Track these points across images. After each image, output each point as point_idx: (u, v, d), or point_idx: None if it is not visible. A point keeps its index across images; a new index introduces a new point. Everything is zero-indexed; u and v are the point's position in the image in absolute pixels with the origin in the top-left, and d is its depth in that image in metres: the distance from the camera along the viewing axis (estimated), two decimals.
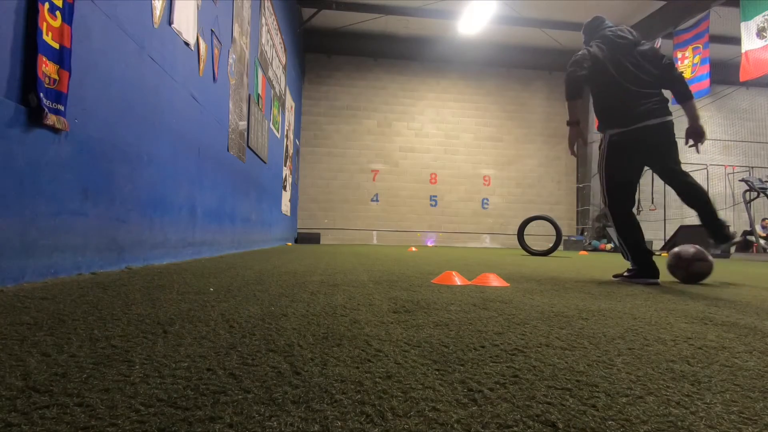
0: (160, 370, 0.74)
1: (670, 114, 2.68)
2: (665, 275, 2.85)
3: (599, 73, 2.70)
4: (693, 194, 2.64)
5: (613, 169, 2.76)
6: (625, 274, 2.74)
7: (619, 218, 2.77)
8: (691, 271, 2.68)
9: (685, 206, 2.70)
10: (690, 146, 2.67)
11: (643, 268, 2.64)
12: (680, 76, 2.71)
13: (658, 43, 9.88)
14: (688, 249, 2.73)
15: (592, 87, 2.83)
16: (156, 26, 2.79)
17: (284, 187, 8.80)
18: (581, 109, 2.77)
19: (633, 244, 2.71)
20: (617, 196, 2.77)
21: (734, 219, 12.35)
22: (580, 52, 2.74)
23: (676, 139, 2.69)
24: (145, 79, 2.67)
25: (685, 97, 2.67)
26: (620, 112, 2.70)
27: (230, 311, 1.29)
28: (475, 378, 0.76)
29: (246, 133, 5.31)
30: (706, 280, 2.76)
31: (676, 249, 2.80)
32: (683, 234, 9.62)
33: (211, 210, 4.07)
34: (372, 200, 12.24)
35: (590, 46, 2.76)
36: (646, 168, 2.82)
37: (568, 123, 2.79)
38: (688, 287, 2.46)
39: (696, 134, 2.65)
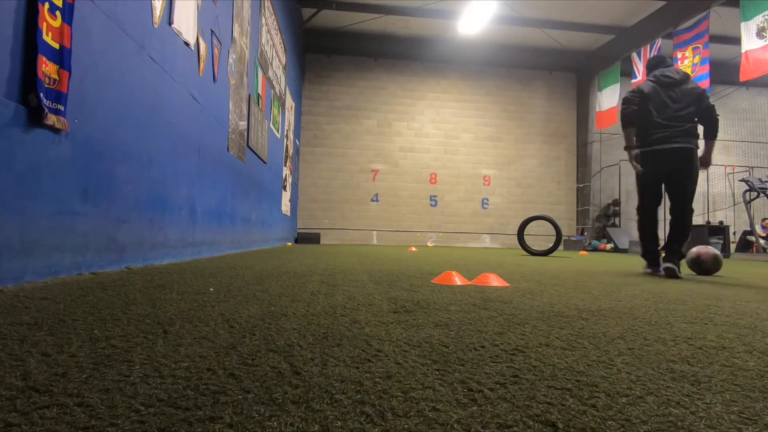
0: (160, 370, 0.74)
1: (689, 142, 3.26)
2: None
3: (642, 104, 3.37)
4: (681, 223, 3.33)
5: (642, 178, 3.43)
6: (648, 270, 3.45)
7: (640, 217, 3.55)
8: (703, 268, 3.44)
9: None
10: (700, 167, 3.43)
11: (649, 261, 3.40)
12: (716, 119, 3.30)
13: (658, 43, 9.88)
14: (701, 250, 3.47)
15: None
16: (156, 26, 2.79)
17: (284, 187, 8.80)
18: (630, 134, 3.46)
19: (644, 239, 3.50)
20: (643, 199, 3.52)
21: (734, 219, 12.35)
22: (630, 89, 3.49)
23: (696, 170, 3.32)
24: (145, 79, 2.67)
25: (711, 136, 3.33)
26: (644, 135, 3.38)
27: (230, 311, 1.29)
28: (475, 378, 0.76)
29: (246, 133, 5.31)
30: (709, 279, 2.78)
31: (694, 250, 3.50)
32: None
33: (211, 210, 4.07)
34: (372, 200, 12.23)
35: (643, 83, 3.45)
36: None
37: (626, 148, 3.49)
38: (688, 287, 2.46)
39: (705, 163, 3.38)
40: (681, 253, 3.24)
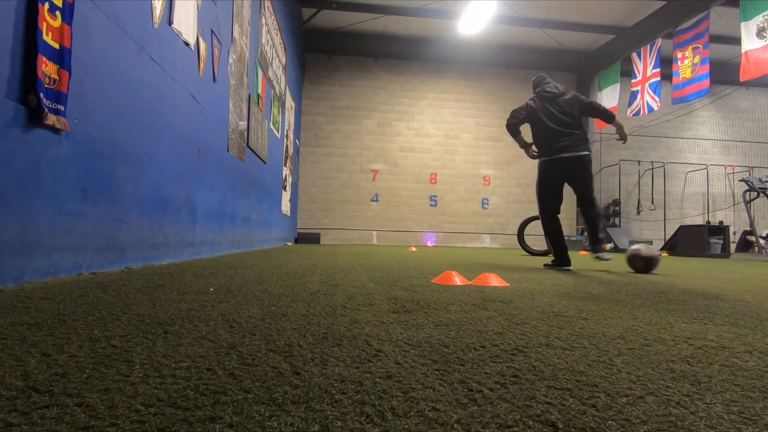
0: (160, 370, 0.74)
1: (586, 150, 3.71)
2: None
3: (532, 117, 3.84)
4: (588, 211, 3.73)
5: (541, 186, 3.88)
6: (550, 263, 3.80)
7: (545, 220, 3.86)
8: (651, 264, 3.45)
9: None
10: (618, 140, 3.93)
11: (559, 259, 3.71)
12: (596, 107, 3.85)
13: (658, 43, 9.88)
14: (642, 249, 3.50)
15: (531, 125, 3.91)
16: (156, 26, 2.79)
17: (284, 187, 8.80)
18: (525, 138, 3.98)
19: (554, 241, 3.80)
20: (544, 204, 3.87)
21: (734, 219, 12.34)
22: (520, 105, 3.90)
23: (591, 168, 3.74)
24: (145, 79, 2.67)
25: (607, 119, 3.89)
26: (545, 145, 3.81)
27: (230, 311, 1.29)
28: (475, 378, 0.76)
29: (246, 133, 5.31)
30: (709, 279, 2.77)
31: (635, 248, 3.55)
32: (683, 233, 9.62)
33: (211, 210, 4.07)
34: (372, 200, 12.23)
35: (529, 100, 3.90)
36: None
37: (521, 146, 4.01)
38: (690, 287, 2.46)
39: (621, 135, 3.93)
40: (600, 239, 3.68)
